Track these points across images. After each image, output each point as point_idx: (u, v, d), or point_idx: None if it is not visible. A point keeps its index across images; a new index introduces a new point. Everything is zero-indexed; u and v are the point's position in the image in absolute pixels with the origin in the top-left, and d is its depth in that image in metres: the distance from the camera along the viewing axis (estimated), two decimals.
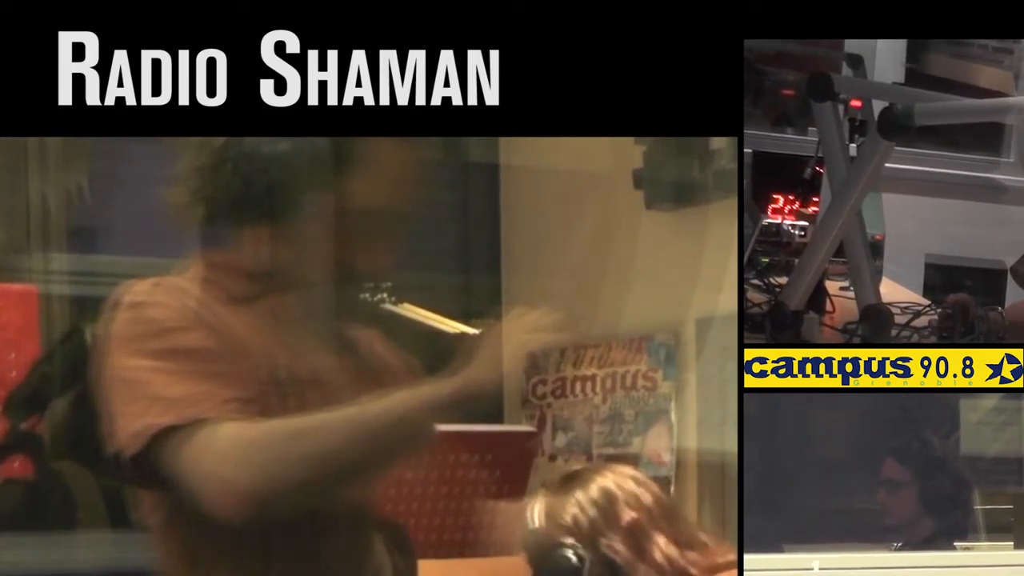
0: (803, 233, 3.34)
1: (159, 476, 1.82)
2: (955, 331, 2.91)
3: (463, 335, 2.00)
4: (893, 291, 3.22)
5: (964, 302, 2.96)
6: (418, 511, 2.85)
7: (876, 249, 3.25)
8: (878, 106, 2.70)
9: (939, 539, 2.53)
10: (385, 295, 2.05)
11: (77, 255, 3.20)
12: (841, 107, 2.95)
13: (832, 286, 3.12)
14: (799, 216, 3.37)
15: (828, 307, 3.04)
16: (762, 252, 3.31)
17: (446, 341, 2.04)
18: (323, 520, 1.92)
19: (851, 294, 2.96)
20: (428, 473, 2.87)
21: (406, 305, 2.06)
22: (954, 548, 2.47)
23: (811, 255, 2.81)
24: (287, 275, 1.95)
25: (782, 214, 3.37)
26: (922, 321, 2.98)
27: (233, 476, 1.77)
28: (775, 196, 3.42)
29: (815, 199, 3.32)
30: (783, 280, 3.06)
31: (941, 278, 4.20)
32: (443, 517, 2.88)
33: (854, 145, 3.01)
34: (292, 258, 1.94)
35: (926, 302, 3.17)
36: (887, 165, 2.73)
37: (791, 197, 3.40)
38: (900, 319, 2.92)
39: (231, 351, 1.87)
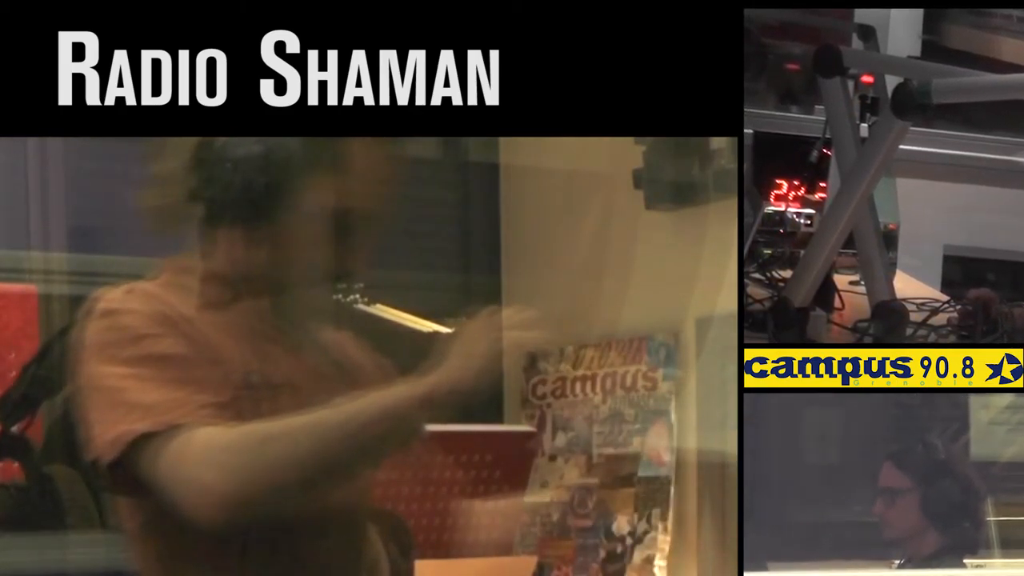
0: (809, 222, 3.16)
1: (137, 482, 1.83)
2: (976, 330, 2.75)
3: (438, 334, 2.00)
4: (908, 286, 3.07)
5: (986, 298, 2.80)
6: (417, 511, 2.85)
7: (889, 240, 3.08)
8: (892, 82, 2.56)
9: (946, 555, 2.35)
10: (359, 295, 2.05)
11: (77, 255, 3.19)
12: (851, 83, 2.78)
13: (841, 281, 2.97)
14: (805, 203, 3.19)
15: (836, 304, 2.89)
16: (764, 243, 3.13)
17: (421, 341, 2.04)
18: (313, 515, 1.92)
19: (862, 289, 2.82)
20: (427, 473, 2.87)
21: (382, 305, 2.06)
22: (964, 565, 2.34)
23: (818, 246, 2.67)
24: (261, 277, 1.95)
25: (786, 201, 3.21)
26: (940, 319, 2.82)
27: (210, 481, 1.77)
28: (778, 181, 3.24)
29: (822, 185, 3.14)
30: (787, 274, 2.93)
31: (961, 271, 4.00)
32: (443, 517, 2.87)
33: (865, 125, 2.85)
34: (265, 261, 1.94)
35: (944, 298, 3.00)
36: (901, 147, 2.57)
37: (796, 182, 3.21)
38: (916, 317, 2.77)
39: (205, 356, 1.87)
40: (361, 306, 2.04)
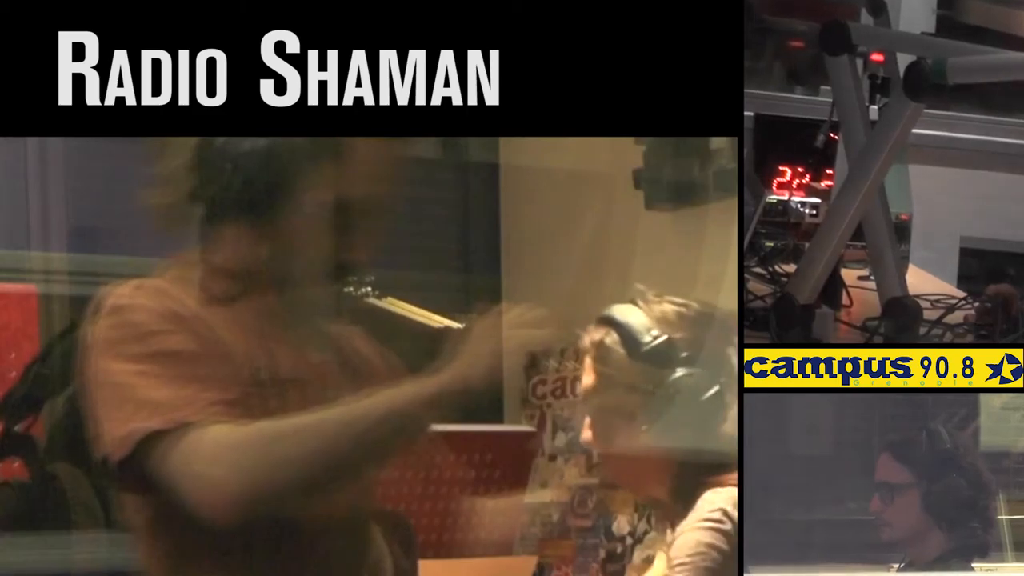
0: (815, 212, 3.06)
1: (147, 480, 1.83)
2: (995, 328, 2.61)
3: (450, 330, 2.01)
4: (922, 281, 2.95)
5: (1006, 294, 2.66)
6: (417, 511, 2.85)
7: (902, 231, 2.95)
8: (904, 60, 2.42)
9: (952, 558, 2.16)
10: (368, 290, 2.05)
11: (77, 255, 3.20)
12: (860, 62, 2.66)
13: (849, 276, 2.86)
14: (810, 192, 3.06)
15: (844, 301, 2.77)
16: (766, 235, 3.04)
17: (432, 335, 2.04)
18: (318, 514, 1.93)
19: (872, 285, 2.72)
20: (428, 472, 2.87)
21: (390, 299, 2.06)
22: (972, 569, 2.17)
23: (824, 239, 2.55)
24: (268, 273, 1.96)
25: (790, 189, 3.07)
26: (956, 317, 2.70)
27: (221, 479, 1.78)
28: (781, 168, 3.09)
29: (829, 171, 3.01)
30: (791, 268, 2.83)
31: (979, 265, 3.86)
32: (443, 517, 2.87)
33: (875, 107, 2.73)
34: (272, 255, 1.95)
35: (961, 294, 2.87)
36: (914, 131, 2.46)
37: (800, 169, 3.07)
38: (930, 314, 2.65)
39: (214, 353, 1.88)
40: (372, 300, 2.04)
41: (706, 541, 1.97)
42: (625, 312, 2.07)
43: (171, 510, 1.83)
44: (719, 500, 2.00)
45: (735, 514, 1.99)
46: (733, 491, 2.01)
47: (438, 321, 2.05)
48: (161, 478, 1.81)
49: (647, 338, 2.03)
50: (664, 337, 2.02)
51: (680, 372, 2.02)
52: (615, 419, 2.04)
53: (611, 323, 2.07)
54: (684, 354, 2.02)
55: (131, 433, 1.81)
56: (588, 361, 2.06)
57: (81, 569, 2.59)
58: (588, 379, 2.06)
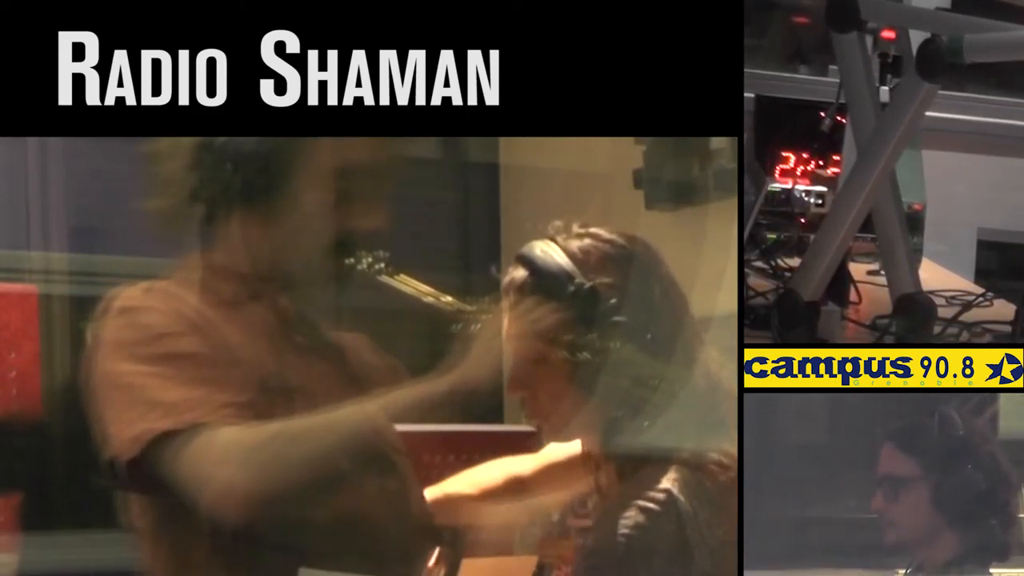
0: (820, 202, 2.95)
1: (157, 481, 1.83)
2: (1016, 327, 2.46)
3: (456, 316, 2.01)
4: (936, 276, 2.84)
5: None
6: None
7: (914, 223, 2.83)
8: (917, 38, 2.31)
9: (967, 562, 1.95)
10: (382, 265, 2.06)
11: (77, 255, 3.20)
12: (870, 39, 2.54)
13: (858, 270, 2.75)
14: (815, 180, 2.96)
15: (852, 297, 2.65)
16: (768, 227, 2.93)
17: (447, 318, 2.05)
18: (321, 517, 1.93)
19: (882, 280, 2.60)
20: (428, 473, 2.87)
21: (403, 276, 2.07)
22: (989, 574, 1.98)
23: (831, 231, 2.44)
24: (271, 274, 1.96)
25: (793, 177, 2.95)
26: (974, 314, 2.56)
27: (233, 479, 1.79)
28: (784, 154, 2.99)
29: (836, 158, 2.89)
30: (795, 263, 2.74)
31: (997, 259, 3.69)
32: None
33: (886, 88, 2.62)
34: (274, 255, 1.96)
35: (979, 290, 2.76)
36: (928, 114, 2.35)
37: (805, 155, 2.97)
38: (945, 312, 2.52)
39: (224, 356, 1.88)
40: (384, 279, 2.05)
41: (644, 524, 1.73)
42: (544, 252, 1.91)
43: (177, 511, 1.84)
44: (665, 480, 1.75)
45: (684, 501, 1.73)
46: (681, 473, 1.76)
47: (447, 303, 2.05)
48: (172, 479, 1.82)
49: (567, 285, 1.83)
50: (586, 284, 1.82)
51: (606, 321, 1.79)
52: (538, 369, 1.81)
53: (528, 264, 1.89)
54: (612, 301, 1.81)
55: (142, 434, 1.82)
56: (506, 304, 1.86)
57: (80, 569, 2.59)
58: (509, 324, 1.84)
